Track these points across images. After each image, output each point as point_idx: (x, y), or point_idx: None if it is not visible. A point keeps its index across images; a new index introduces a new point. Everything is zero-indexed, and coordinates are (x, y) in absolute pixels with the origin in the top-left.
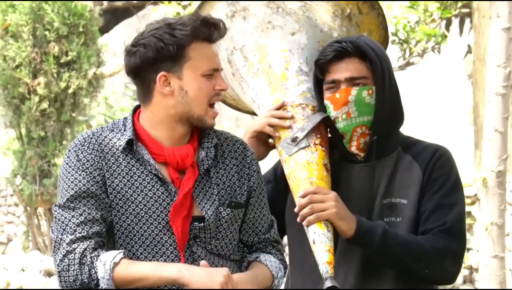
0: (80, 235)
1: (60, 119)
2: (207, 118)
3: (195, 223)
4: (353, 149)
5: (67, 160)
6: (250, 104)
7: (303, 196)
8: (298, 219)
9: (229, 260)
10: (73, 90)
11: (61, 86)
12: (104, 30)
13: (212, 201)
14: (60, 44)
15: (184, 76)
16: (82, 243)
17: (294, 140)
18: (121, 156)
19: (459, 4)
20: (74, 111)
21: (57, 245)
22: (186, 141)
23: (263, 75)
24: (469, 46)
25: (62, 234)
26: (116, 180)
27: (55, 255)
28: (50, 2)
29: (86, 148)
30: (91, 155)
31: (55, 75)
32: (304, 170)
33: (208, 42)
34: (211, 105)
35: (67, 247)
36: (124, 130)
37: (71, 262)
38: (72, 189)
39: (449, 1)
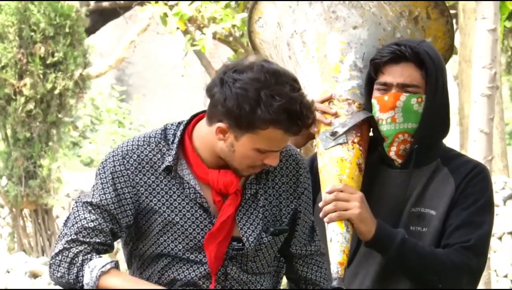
0: (81, 238)
1: (46, 120)
2: (243, 172)
3: (233, 243)
4: (392, 154)
5: (106, 167)
6: None
7: (330, 192)
8: (321, 215)
9: (263, 275)
10: (59, 91)
11: (47, 87)
12: (90, 30)
13: (255, 226)
14: (46, 45)
15: (240, 140)
16: (79, 246)
17: (333, 134)
18: (162, 174)
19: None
20: (60, 112)
21: (60, 236)
22: None
23: (318, 64)
24: (455, 47)
25: (69, 229)
26: (154, 199)
27: (55, 244)
28: (36, 3)
29: (125, 162)
30: (128, 171)
31: (41, 76)
32: (336, 166)
33: (284, 131)
34: (253, 167)
35: (65, 244)
36: (172, 143)
37: (63, 259)
38: (97, 197)
39: None
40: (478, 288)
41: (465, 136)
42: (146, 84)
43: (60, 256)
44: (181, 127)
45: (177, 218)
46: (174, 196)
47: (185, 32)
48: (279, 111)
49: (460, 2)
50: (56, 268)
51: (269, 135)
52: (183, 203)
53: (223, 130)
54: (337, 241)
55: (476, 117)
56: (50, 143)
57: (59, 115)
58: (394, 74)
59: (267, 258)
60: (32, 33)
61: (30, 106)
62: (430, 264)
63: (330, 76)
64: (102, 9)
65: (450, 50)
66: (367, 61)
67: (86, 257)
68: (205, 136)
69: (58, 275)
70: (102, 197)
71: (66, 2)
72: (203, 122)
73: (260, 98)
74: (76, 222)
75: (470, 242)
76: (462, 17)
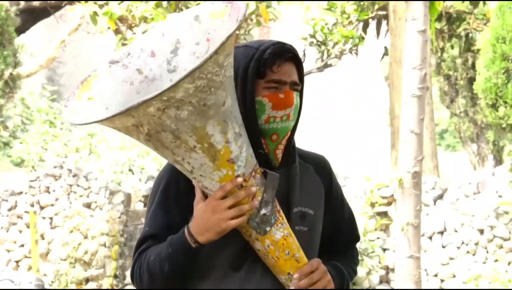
0: None
1: None
2: None
3: None
4: (278, 152)
5: None
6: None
7: (300, 278)
8: None
9: None
10: None
11: None
12: (20, 30)
13: None
14: None
15: None
16: None
17: (263, 219)
18: None
19: (376, 6)
20: None
21: None
22: None
23: (203, 153)
24: (385, 48)
25: None
26: None
27: None
28: None
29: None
30: None
31: None
32: (285, 248)
33: None
34: None
35: None
36: None
37: None
38: None
39: (366, 3)
40: (409, 287)
41: (396, 137)
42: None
43: None
44: None
45: None
46: None
47: (117, 31)
48: None
49: (390, 3)
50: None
51: None
52: None
53: None
54: None
55: (406, 118)
56: None
57: None
58: (288, 72)
59: None
60: None
61: None
62: (355, 273)
63: (225, 161)
64: (32, 8)
65: None
66: (241, 119)
67: None
68: None
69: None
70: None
71: None
72: None
73: None
74: None
75: (356, 237)
76: (392, 18)
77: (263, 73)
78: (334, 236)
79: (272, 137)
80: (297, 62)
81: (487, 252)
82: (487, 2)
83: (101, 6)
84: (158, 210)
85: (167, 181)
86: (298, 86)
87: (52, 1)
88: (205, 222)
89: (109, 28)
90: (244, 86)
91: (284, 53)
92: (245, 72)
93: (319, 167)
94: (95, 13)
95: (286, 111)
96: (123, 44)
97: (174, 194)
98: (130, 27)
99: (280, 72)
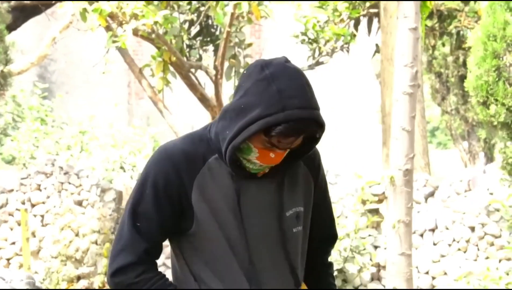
0: None
1: None
2: None
3: None
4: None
5: None
6: None
7: None
8: None
9: None
10: None
11: None
12: (12, 27)
13: None
14: None
15: None
16: None
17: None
18: None
19: (367, 4)
20: None
21: None
22: None
23: None
24: (377, 45)
25: None
26: None
27: None
28: None
29: None
30: None
31: None
32: None
33: None
34: None
35: None
36: None
37: None
38: None
39: (357, 1)
40: (400, 285)
41: (387, 134)
42: (69, 82)
43: None
44: None
45: None
46: None
47: (107, 28)
48: None
49: (382, 1)
50: None
51: None
52: None
53: None
54: None
55: (398, 115)
56: None
57: None
58: (288, 143)
59: None
60: None
61: None
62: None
63: None
64: (23, 5)
65: None
66: None
67: None
68: None
69: None
70: None
71: None
72: None
73: None
74: None
75: (335, 232)
76: (383, 16)
77: (270, 135)
78: (313, 231)
79: (248, 166)
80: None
81: (478, 249)
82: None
83: (91, 3)
84: (150, 210)
85: (156, 174)
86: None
87: None
88: None
89: (99, 25)
90: (246, 124)
91: (293, 134)
92: (256, 118)
93: (309, 158)
94: (85, 10)
95: (268, 165)
96: (114, 42)
97: (163, 188)
98: (121, 24)
99: (285, 142)
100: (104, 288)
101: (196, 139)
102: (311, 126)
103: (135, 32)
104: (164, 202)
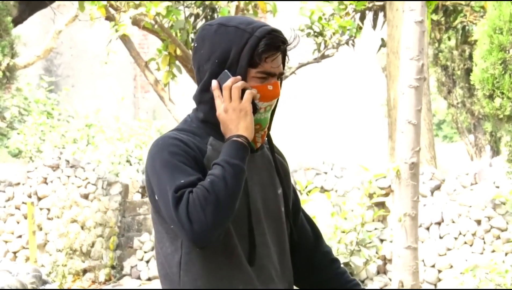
0: None
1: None
2: None
3: None
4: (258, 139)
5: None
6: None
7: None
8: None
9: None
10: None
11: None
12: (18, 20)
13: None
14: None
15: None
16: None
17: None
18: None
19: None
20: None
21: None
22: None
23: None
24: (382, 39)
25: None
26: None
27: None
28: None
29: None
30: None
31: None
32: None
33: None
34: None
35: None
36: None
37: None
38: None
39: None
40: (405, 278)
41: (393, 128)
42: (75, 75)
43: None
44: None
45: None
46: None
47: (109, 18)
48: None
49: None
50: None
51: None
52: None
53: None
54: None
55: (404, 109)
56: None
57: None
58: (278, 64)
59: None
60: None
61: None
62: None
63: None
64: None
65: None
66: None
67: None
68: None
69: None
70: None
71: None
72: None
73: None
74: None
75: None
76: (389, 9)
77: (256, 63)
78: (303, 231)
79: (255, 127)
80: (285, 51)
81: (484, 242)
82: None
83: None
84: (179, 166)
85: (173, 144)
86: (282, 75)
87: None
88: (235, 117)
89: (101, 16)
90: (234, 73)
91: (279, 44)
92: (237, 58)
93: (283, 164)
94: (81, 5)
95: (271, 102)
96: (116, 31)
97: (184, 152)
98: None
99: (272, 63)
100: (110, 281)
101: (183, 132)
102: (284, 35)
103: (138, 23)
104: (189, 159)
